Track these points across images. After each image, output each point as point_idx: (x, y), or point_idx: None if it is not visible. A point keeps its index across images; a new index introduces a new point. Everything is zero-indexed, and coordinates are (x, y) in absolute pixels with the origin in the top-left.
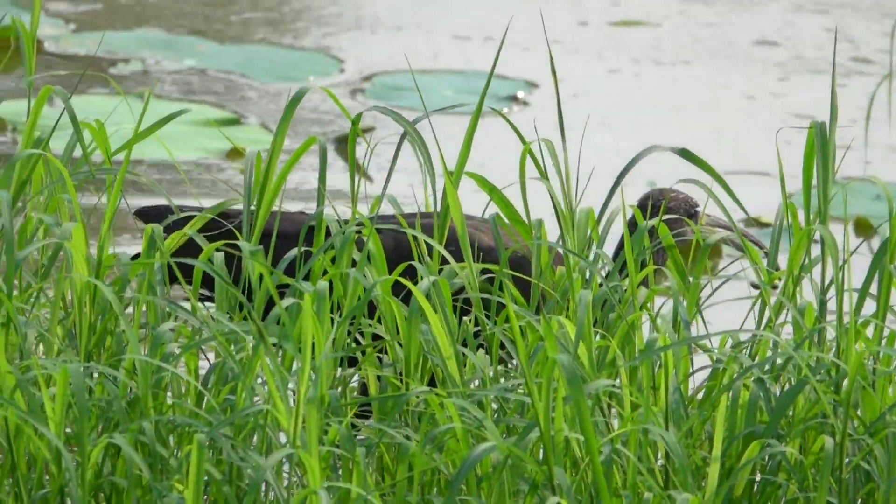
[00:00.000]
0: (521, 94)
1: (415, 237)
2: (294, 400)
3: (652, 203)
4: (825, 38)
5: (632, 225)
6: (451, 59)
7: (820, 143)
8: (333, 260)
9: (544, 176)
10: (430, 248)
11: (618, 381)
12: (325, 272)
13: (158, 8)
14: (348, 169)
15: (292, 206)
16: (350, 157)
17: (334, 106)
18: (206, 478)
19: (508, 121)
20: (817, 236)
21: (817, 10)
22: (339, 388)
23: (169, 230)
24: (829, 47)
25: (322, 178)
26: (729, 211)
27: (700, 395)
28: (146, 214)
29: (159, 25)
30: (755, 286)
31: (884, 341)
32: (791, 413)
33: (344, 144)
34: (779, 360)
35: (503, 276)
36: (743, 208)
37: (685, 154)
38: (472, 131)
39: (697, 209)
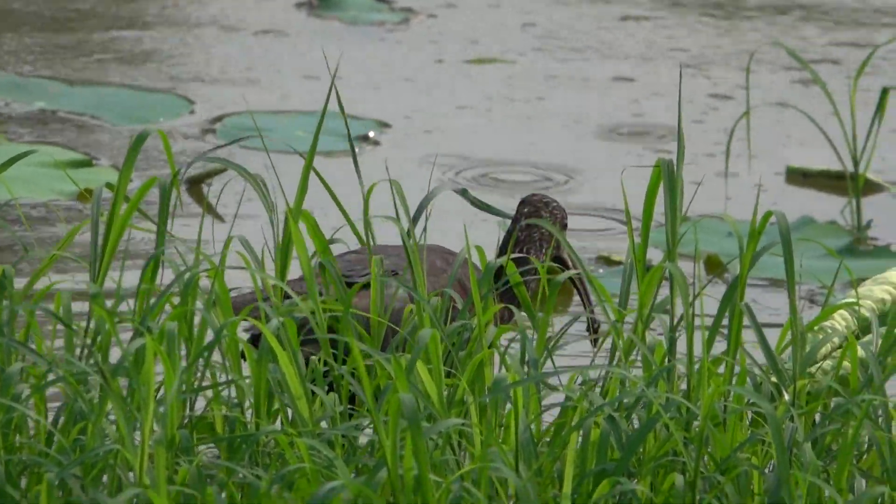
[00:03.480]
0: (372, 134)
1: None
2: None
3: (528, 210)
4: (682, 73)
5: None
6: (300, 99)
7: (667, 181)
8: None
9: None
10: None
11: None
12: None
13: (8, 50)
14: (201, 210)
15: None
16: (160, 205)
17: (186, 147)
18: None
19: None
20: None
21: (676, 47)
22: (189, 429)
23: None
24: (686, 84)
25: (162, 218)
26: (577, 250)
27: (551, 433)
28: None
29: (9, 68)
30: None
31: (734, 379)
32: (642, 451)
33: (196, 185)
34: (630, 398)
35: (347, 314)
36: (570, 250)
37: (466, 196)
38: (308, 169)
39: (567, 225)
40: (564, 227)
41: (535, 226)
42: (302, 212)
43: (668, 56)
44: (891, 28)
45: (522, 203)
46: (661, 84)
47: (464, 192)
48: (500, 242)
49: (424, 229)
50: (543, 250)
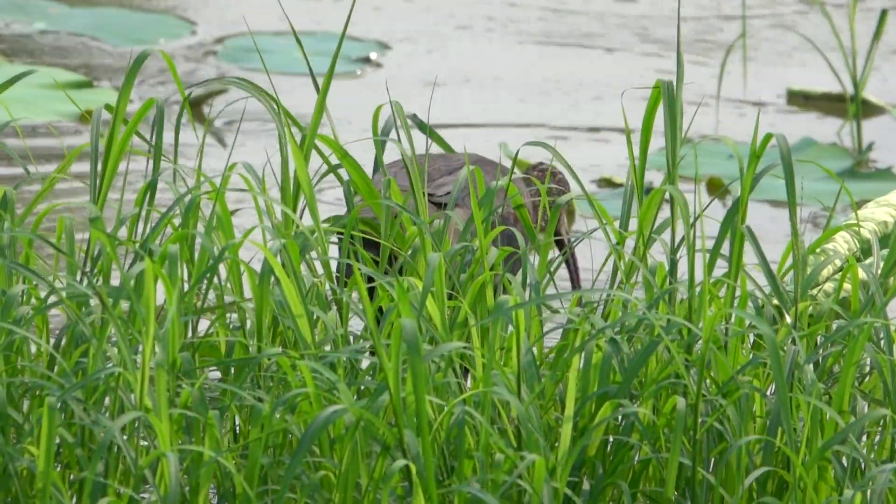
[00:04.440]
0: (373, 56)
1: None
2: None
3: (537, 173)
4: None
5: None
6: (301, 19)
7: (667, 102)
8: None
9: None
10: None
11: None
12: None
13: None
14: (202, 132)
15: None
16: (165, 126)
17: (188, 68)
18: (58, 441)
19: None
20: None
21: None
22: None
23: None
24: (690, 3)
25: (159, 136)
26: (577, 172)
27: (553, 356)
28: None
29: None
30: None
31: (736, 302)
32: (644, 373)
33: (198, 107)
34: (631, 321)
35: (351, 234)
36: (573, 172)
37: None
38: (325, 94)
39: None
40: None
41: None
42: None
43: None
44: None
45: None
46: (668, 2)
47: (413, 117)
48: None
49: (427, 152)
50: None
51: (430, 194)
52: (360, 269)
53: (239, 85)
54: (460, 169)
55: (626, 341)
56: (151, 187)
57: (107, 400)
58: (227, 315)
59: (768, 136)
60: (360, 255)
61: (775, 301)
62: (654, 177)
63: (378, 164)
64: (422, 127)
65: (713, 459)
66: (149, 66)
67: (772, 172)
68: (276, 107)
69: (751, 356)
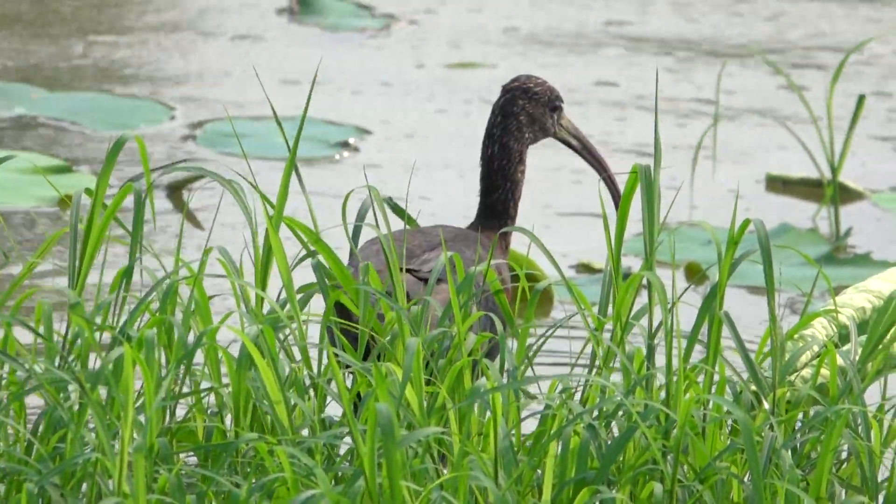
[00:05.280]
0: (352, 141)
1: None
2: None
3: (519, 85)
4: (666, 79)
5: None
6: (280, 104)
7: (645, 187)
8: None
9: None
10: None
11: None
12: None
13: None
14: (181, 216)
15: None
16: (137, 212)
17: (167, 153)
18: None
19: None
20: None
21: (660, 52)
22: (169, 437)
23: None
24: (670, 89)
25: (136, 224)
26: (556, 257)
27: (531, 442)
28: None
29: None
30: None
31: (713, 388)
32: (621, 459)
33: (177, 192)
34: (609, 406)
35: (331, 320)
36: (552, 259)
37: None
38: (288, 177)
39: (560, 104)
40: (555, 108)
41: (511, 115)
42: (283, 218)
43: (652, 60)
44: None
45: (508, 87)
46: (646, 88)
47: (389, 200)
48: (482, 148)
49: (405, 229)
50: (526, 137)
51: (414, 270)
52: (336, 356)
53: (201, 171)
54: (441, 245)
55: (603, 427)
56: (128, 272)
57: (84, 486)
58: (205, 399)
59: (746, 222)
60: (338, 339)
61: (753, 387)
62: (633, 262)
63: (352, 251)
64: (398, 212)
65: None
66: (128, 150)
67: (750, 258)
68: (239, 191)
69: (728, 441)
